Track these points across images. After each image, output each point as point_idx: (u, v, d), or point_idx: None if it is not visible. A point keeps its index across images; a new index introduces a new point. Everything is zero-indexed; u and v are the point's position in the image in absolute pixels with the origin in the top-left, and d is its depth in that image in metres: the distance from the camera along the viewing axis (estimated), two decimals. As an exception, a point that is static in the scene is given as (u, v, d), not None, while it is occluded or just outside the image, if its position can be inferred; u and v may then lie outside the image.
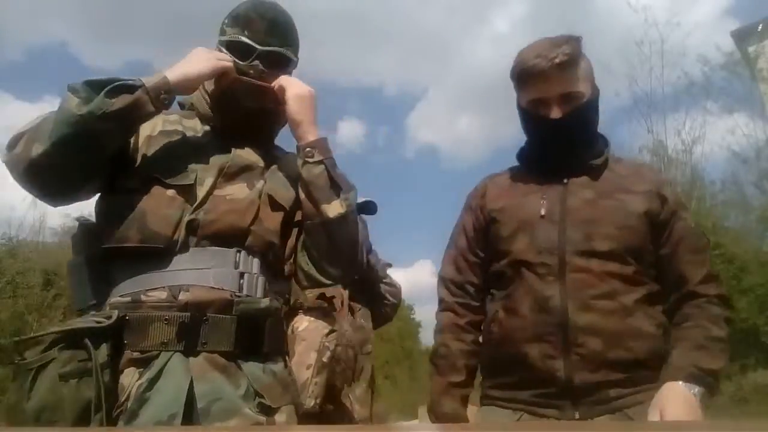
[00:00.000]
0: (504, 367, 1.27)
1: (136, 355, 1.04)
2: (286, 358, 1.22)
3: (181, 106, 1.33)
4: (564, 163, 1.33)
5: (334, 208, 1.18)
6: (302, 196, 1.21)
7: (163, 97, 1.11)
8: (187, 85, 1.18)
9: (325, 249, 1.21)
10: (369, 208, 2.17)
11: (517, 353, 1.23)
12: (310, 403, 1.23)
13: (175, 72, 1.15)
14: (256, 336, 1.12)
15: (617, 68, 15.12)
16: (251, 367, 1.11)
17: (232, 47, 1.24)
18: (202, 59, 1.18)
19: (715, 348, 1.16)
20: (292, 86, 1.23)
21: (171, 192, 1.13)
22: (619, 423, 0.84)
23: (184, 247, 1.11)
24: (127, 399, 1.01)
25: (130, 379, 1.02)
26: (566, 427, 0.79)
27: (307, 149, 1.20)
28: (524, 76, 1.31)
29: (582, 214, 1.26)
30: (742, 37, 15.25)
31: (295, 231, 1.26)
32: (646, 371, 1.17)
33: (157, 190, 1.13)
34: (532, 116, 1.33)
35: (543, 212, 1.28)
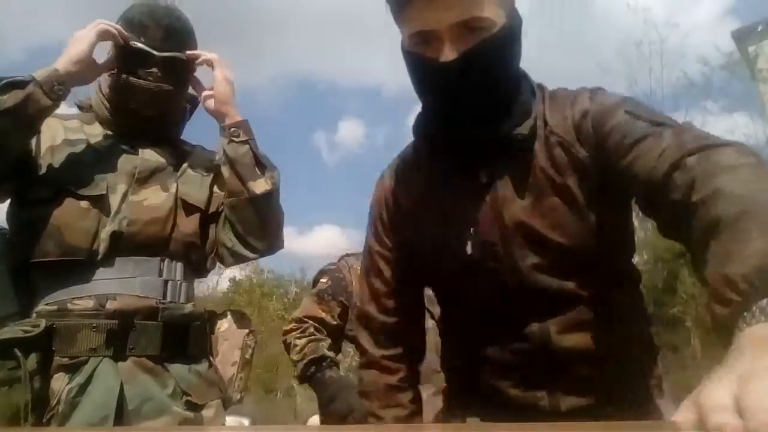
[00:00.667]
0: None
1: (65, 361, 1.07)
2: (211, 358, 1.27)
3: (80, 108, 1.34)
4: (473, 143, 0.91)
5: (260, 185, 1.24)
6: (226, 174, 1.26)
7: (57, 88, 1.12)
8: (79, 70, 1.17)
9: (252, 224, 1.26)
10: None
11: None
12: (236, 396, 1.29)
13: (62, 60, 1.15)
14: (181, 340, 1.18)
15: (617, 69, 15.20)
16: (177, 369, 1.16)
17: (129, 54, 1.23)
18: (81, 37, 1.18)
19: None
20: (223, 67, 1.29)
21: (84, 203, 1.15)
22: (619, 423, 0.84)
23: (107, 257, 1.14)
24: (58, 403, 1.04)
25: (60, 384, 1.06)
26: (565, 427, 0.79)
27: (233, 129, 1.26)
28: None
29: (521, 236, 0.90)
30: (742, 37, 15.25)
31: (213, 226, 1.31)
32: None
33: (70, 201, 1.15)
34: (415, 61, 0.88)
35: (469, 250, 0.91)
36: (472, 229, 0.91)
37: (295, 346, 2.01)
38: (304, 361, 1.96)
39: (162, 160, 1.28)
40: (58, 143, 1.21)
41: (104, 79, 1.29)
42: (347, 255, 2.16)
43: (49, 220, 1.13)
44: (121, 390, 1.07)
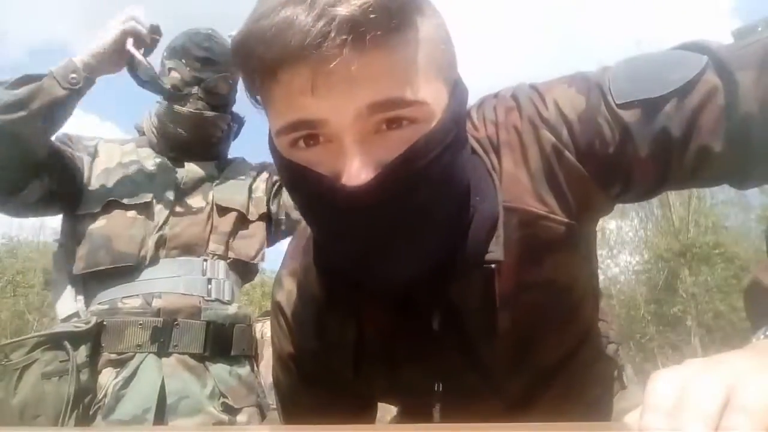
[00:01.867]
0: None
1: (113, 356, 1.14)
2: (254, 362, 1.31)
3: (138, 131, 1.42)
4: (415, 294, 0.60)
5: None
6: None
7: (72, 77, 1.12)
8: (98, 62, 1.16)
9: None
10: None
11: None
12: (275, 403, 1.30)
13: (83, 54, 1.16)
14: (225, 340, 1.22)
15: (617, 68, 15.06)
16: (218, 369, 1.21)
17: (170, 77, 1.30)
18: (107, 30, 1.17)
19: None
20: None
21: (131, 213, 1.23)
22: (618, 423, 0.83)
23: (154, 260, 1.21)
24: (105, 396, 1.11)
25: (107, 378, 1.12)
26: (561, 428, 0.79)
27: None
28: (258, 59, 0.46)
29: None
30: (742, 37, 15.21)
31: (258, 224, 1.37)
32: None
33: (118, 213, 1.22)
34: (297, 178, 0.51)
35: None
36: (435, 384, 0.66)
37: None
38: None
39: (204, 172, 1.35)
40: (113, 166, 1.29)
41: (153, 105, 1.36)
42: None
43: (100, 231, 1.21)
44: (163, 385, 1.13)
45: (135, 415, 1.08)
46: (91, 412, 1.09)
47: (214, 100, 1.31)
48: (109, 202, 1.23)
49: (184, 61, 1.30)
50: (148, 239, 1.22)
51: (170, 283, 1.20)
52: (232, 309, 1.25)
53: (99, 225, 1.21)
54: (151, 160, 1.33)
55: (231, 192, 1.36)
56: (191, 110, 1.29)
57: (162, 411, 1.11)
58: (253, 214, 1.37)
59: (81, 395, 1.08)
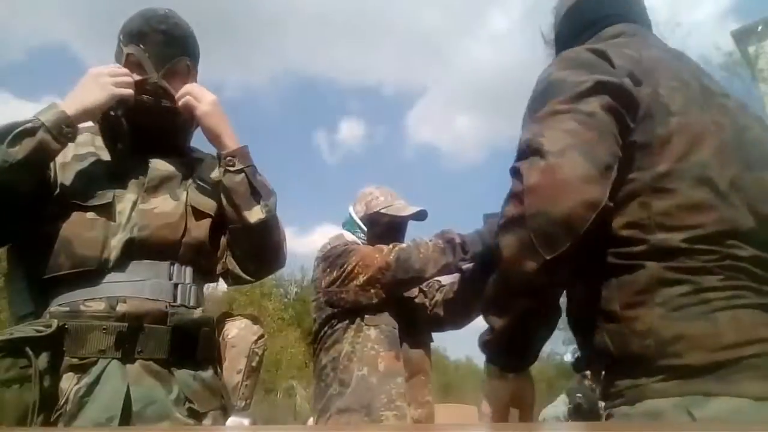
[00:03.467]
0: None
1: (75, 361, 1.09)
2: (217, 365, 1.28)
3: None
4: None
5: (255, 214, 1.25)
6: (224, 202, 1.28)
7: (66, 131, 1.13)
8: (87, 118, 1.19)
9: (249, 251, 1.30)
10: (420, 215, 2.12)
11: None
12: (240, 404, 1.29)
13: (73, 104, 1.16)
14: (190, 345, 1.20)
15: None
16: (183, 375, 1.18)
17: (130, 64, 1.26)
18: (99, 86, 1.18)
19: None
20: (199, 101, 1.26)
21: (90, 214, 1.18)
22: (621, 423, 0.83)
23: (118, 263, 1.16)
24: (66, 402, 1.06)
25: (69, 383, 1.08)
26: (570, 427, 0.79)
27: (228, 158, 1.26)
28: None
29: None
30: (742, 37, 15.23)
31: (223, 235, 1.33)
32: None
33: (77, 215, 1.17)
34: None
35: None
36: None
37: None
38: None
39: (171, 169, 1.30)
40: (69, 160, 1.23)
41: None
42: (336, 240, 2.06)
43: (58, 234, 1.16)
44: (128, 392, 1.09)
45: (98, 423, 1.05)
46: (52, 419, 1.05)
47: (177, 83, 1.28)
48: (68, 204, 1.18)
49: (142, 46, 1.26)
50: (111, 240, 1.17)
51: (135, 287, 1.16)
52: (197, 313, 1.22)
53: (57, 227, 1.16)
54: (110, 152, 1.27)
55: (206, 195, 1.31)
56: (150, 100, 1.25)
57: (127, 419, 1.07)
58: (223, 223, 1.32)
59: (45, 402, 1.04)
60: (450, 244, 1.80)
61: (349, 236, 2.10)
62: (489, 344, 0.94)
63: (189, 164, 1.35)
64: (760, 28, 14.82)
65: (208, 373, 1.24)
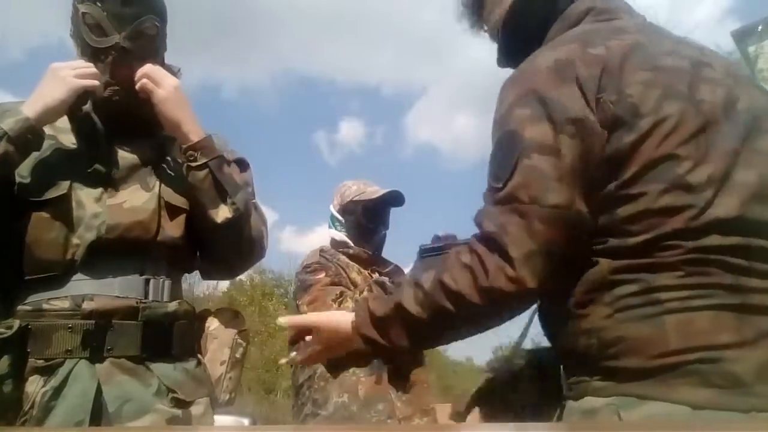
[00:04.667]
0: None
1: (40, 363, 1.04)
2: (199, 356, 1.23)
3: None
4: None
5: (222, 213, 1.15)
6: (189, 200, 1.19)
7: (30, 139, 1.05)
8: (52, 117, 1.10)
9: (218, 251, 1.23)
10: (393, 198, 2.11)
11: None
12: (224, 397, 1.24)
13: (35, 107, 1.06)
14: (164, 338, 1.14)
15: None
16: (161, 367, 1.13)
17: (87, 25, 1.12)
18: (60, 83, 1.07)
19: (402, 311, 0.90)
20: (158, 85, 1.14)
21: (46, 213, 1.09)
22: (622, 423, 0.83)
23: (85, 262, 1.09)
24: (32, 407, 1.01)
25: (34, 387, 1.02)
26: (568, 427, 0.79)
27: (189, 153, 1.14)
28: None
29: None
30: (742, 37, 15.16)
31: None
32: None
33: (35, 215, 1.09)
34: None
35: None
36: None
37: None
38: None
39: (139, 153, 1.19)
40: None
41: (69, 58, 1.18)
42: (322, 250, 2.09)
43: (19, 237, 1.08)
44: (99, 392, 1.04)
45: (66, 426, 1.00)
46: (17, 424, 1.00)
47: (141, 48, 1.13)
48: (23, 201, 1.08)
49: (99, 3, 1.10)
50: (72, 239, 1.09)
51: (103, 284, 1.09)
52: (171, 306, 1.15)
53: (16, 230, 1.08)
54: (68, 135, 1.16)
55: (180, 186, 1.20)
56: (116, 63, 1.11)
57: (98, 420, 1.01)
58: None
59: (9, 408, 0.99)
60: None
61: (336, 234, 2.11)
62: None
63: (160, 145, 1.24)
64: (760, 28, 14.76)
65: (190, 364, 1.19)
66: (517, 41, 1.02)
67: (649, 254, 0.77)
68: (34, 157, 1.11)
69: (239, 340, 1.26)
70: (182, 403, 1.12)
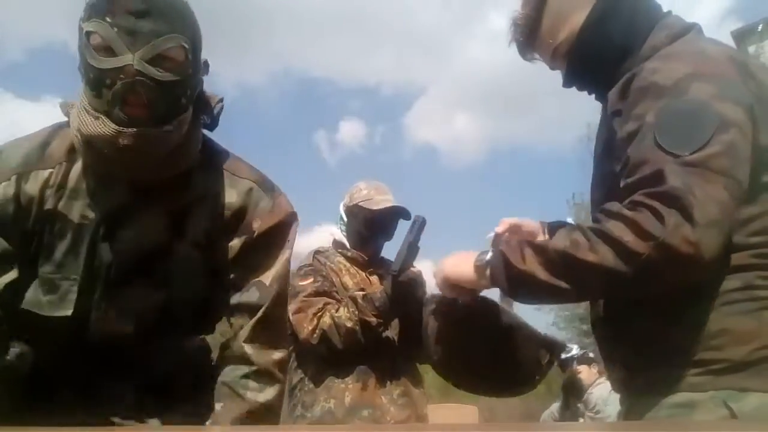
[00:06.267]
0: None
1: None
2: None
3: (65, 114, 1.01)
4: None
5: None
6: None
7: None
8: None
9: None
10: (396, 212, 2.04)
11: None
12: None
13: None
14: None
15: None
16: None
17: (93, 46, 0.87)
18: None
19: (542, 252, 0.88)
20: None
21: (48, 327, 0.97)
22: (623, 423, 0.84)
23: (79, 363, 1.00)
24: None
25: None
26: (571, 427, 0.79)
27: None
28: None
29: None
30: (742, 37, 15.22)
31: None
32: None
33: (34, 325, 0.97)
34: None
35: None
36: None
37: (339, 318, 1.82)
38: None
39: (155, 237, 0.99)
40: (38, 221, 0.98)
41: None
42: (318, 252, 2.07)
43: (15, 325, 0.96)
44: None
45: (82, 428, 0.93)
46: None
47: (162, 74, 0.87)
48: (22, 311, 0.97)
49: (108, 19, 0.85)
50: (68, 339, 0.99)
51: None
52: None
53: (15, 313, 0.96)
54: (81, 205, 0.97)
55: (194, 281, 1.04)
56: (127, 80, 0.85)
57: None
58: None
59: None
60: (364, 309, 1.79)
61: (338, 234, 2.10)
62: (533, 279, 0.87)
63: (187, 205, 1.01)
64: (760, 27, 14.81)
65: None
66: (591, 60, 1.05)
67: (755, 254, 0.84)
68: (40, 236, 0.98)
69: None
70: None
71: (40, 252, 0.97)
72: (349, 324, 1.79)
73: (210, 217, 1.02)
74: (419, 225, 1.76)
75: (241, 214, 1.03)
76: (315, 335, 1.82)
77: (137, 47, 0.86)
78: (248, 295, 1.02)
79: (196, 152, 1.01)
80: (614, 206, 0.84)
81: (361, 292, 1.87)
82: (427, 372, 2.13)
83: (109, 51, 0.86)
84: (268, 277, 1.03)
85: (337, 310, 1.84)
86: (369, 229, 2.02)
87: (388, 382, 1.89)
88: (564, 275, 0.86)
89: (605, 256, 0.80)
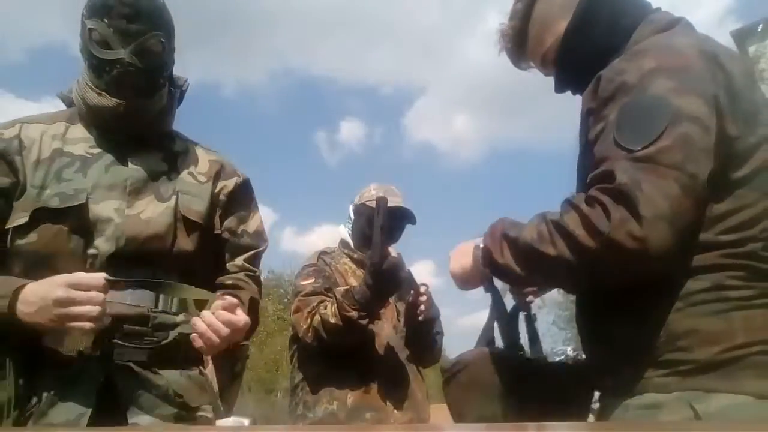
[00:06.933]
0: None
1: (52, 361, 1.08)
2: (201, 367, 1.26)
3: (65, 101, 1.29)
4: None
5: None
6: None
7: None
8: (29, 325, 1.04)
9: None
10: (400, 214, 2.07)
11: None
12: (224, 407, 1.30)
13: (25, 309, 1.01)
14: (171, 348, 1.17)
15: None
16: (168, 372, 1.16)
17: (94, 41, 1.15)
18: (51, 311, 1.00)
19: (521, 247, 0.92)
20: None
21: (65, 227, 1.11)
22: (624, 423, 0.83)
23: (102, 270, 1.10)
24: (39, 401, 1.06)
25: (45, 382, 1.07)
26: (564, 428, 0.79)
27: None
28: None
29: None
30: (742, 37, 15.22)
31: (213, 242, 1.30)
32: None
33: (48, 227, 1.10)
34: None
35: None
36: None
37: (324, 314, 1.83)
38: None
39: (154, 165, 1.24)
40: (44, 158, 1.17)
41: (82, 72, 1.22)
42: (324, 253, 2.09)
43: (33, 248, 1.10)
44: (104, 391, 1.09)
45: (68, 420, 1.03)
46: (23, 417, 1.04)
47: (146, 63, 1.16)
48: (37, 210, 1.11)
49: (106, 20, 1.13)
50: (90, 249, 1.12)
51: (117, 292, 1.12)
52: (179, 318, 1.19)
53: (29, 240, 1.10)
54: (85, 146, 1.20)
55: (195, 199, 1.26)
56: (123, 77, 1.14)
57: (102, 418, 1.06)
58: (215, 228, 1.29)
59: (20, 400, 1.04)
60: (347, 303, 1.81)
61: (344, 233, 2.12)
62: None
63: (173, 157, 1.29)
64: (760, 28, 14.80)
65: (194, 372, 1.23)
66: (578, 64, 1.06)
67: (726, 254, 0.82)
68: (53, 168, 1.15)
69: (237, 354, 1.30)
70: (187, 408, 1.16)
71: (46, 181, 1.15)
72: (332, 320, 1.80)
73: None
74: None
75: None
76: (309, 333, 1.85)
77: (128, 44, 1.15)
78: None
79: (172, 117, 1.33)
80: (576, 198, 0.87)
81: (343, 288, 1.88)
82: (427, 374, 2.13)
83: (106, 45, 1.15)
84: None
85: (325, 307, 1.85)
86: (371, 228, 2.01)
87: (392, 385, 1.89)
88: (533, 267, 0.91)
89: (562, 249, 0.84)
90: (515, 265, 0.92)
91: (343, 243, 2.11)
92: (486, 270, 0.99)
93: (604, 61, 0.97)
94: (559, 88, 1.14)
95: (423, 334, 1.99)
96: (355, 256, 2.06)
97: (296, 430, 1.12)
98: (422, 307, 1.93)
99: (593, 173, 0.87)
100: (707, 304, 0.81)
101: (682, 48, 0.90)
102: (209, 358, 1.27)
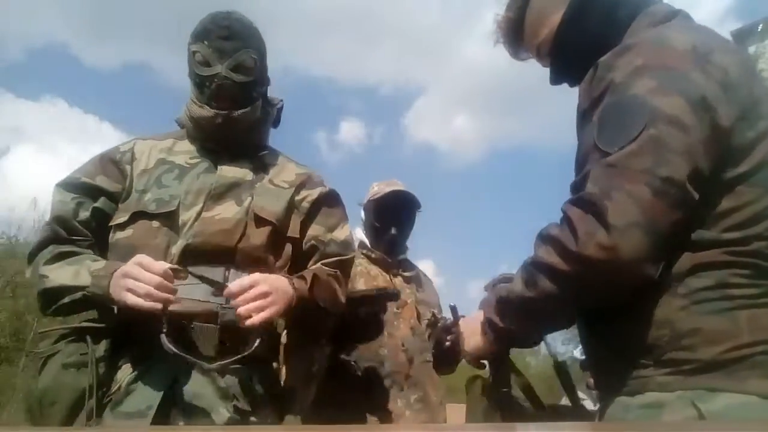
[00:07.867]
0: None
1: (131, 353, 1.19)
2: (273, 365, 1.31)
3: (179, 125, 1.44)
4: None
5: None
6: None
7: (93, 303, 1.20)
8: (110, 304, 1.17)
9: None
10: (395, 196, 2.09)
11: None
12: (295, 408, 1.29)
13: (118, 293, 1.12)
14: (238, 344, 1.20)
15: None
16: (231, 371, 1.21)
17: (197, 61, 1.32)
18: (133, 293, 1.11)
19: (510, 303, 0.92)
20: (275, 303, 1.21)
21: (156, 223, 1.25)
22: (624, 423, 0.83)
23: (178, 264, 1.21)
24: (118, 389, 1.15)
25: (124, 373, 1.17)
26: (563, 427, 0.79)
27: None
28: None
29: None
30: (742, 37, 15.18)
31: (288, 246, 1.36)
32: None
33: (143, 223, 1.26)
34: None
35: None
36: None
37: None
38: None
39: (240, 174, 1.35)
40: (150, 167, 1.33)
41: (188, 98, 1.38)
42: None
43: (126, 241, 1.25)
44: (172, 386, 1.15)
45: (138, 410, 1.11)
46: (103, 403, 1.13)
47: (240, 77, 1.31)
48: (137, 212, 1.26)
49: (206, 42, 1.30)
50: (172, 248, 1.23)
51: (188, 289, 1.20)
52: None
53: (125, 235, 1.25)
54: (186, 158, 1.35)
55: (270, 201, 1.34)
56: (219, 83, 1.29)
57: (168, 409, 1.13)
58: (292, 231, 1.36)
59: (100, 387, 1.13)
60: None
61: (359, 234, 2.16)
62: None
63: (261, 167, 1.40)
64: (760, 27, 14.78)
65: (260, 373, 1.27)
66: (572, 56, 1.05)
67: (730, 251, 0.80)
68: (155, 177, 1.31)
69: (316, 355, 1.34)
70: (241, 412, 1.19)
71: (148, 186, 1.31)
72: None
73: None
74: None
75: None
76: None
77: (224, 60, 1.31)
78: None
79: (266, 132, 1.48)
80: (546, 227, 0.86)
81: None
82: (441, 390, 2.08)
83: (206, 63, 1.32)
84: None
85: None
86: (377, 218, 2.07)
87: (405, 387, 1.87)
88: (532, 317, 0.90)
89: (544, 285, 0.83)
90: (517, 320, 0.91)
91: (361, 243, 2.13)
92: (495, 346, 0.98)
93: (599, 54, 0.95)
94: (555, 79, 1.13)
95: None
96: (373, 255, 2.07)
97: (296, 430, 1.12)
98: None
99: (574, 180, 0.87)
100: (711, 303, 0.79)
101: (673, 44, 0.87)
102: (282, 358, 1.30)
